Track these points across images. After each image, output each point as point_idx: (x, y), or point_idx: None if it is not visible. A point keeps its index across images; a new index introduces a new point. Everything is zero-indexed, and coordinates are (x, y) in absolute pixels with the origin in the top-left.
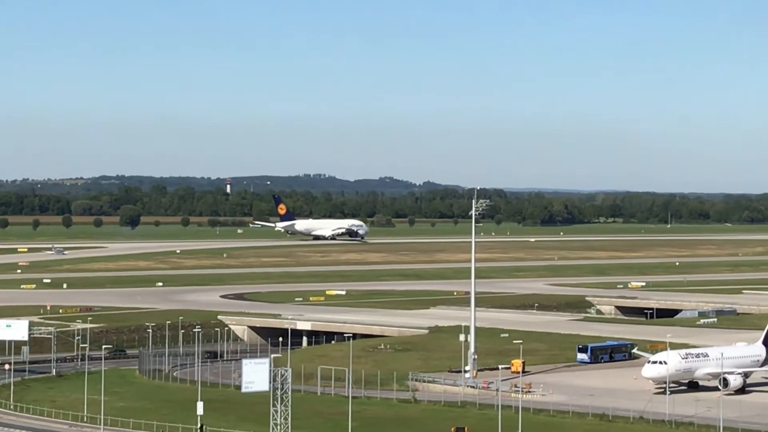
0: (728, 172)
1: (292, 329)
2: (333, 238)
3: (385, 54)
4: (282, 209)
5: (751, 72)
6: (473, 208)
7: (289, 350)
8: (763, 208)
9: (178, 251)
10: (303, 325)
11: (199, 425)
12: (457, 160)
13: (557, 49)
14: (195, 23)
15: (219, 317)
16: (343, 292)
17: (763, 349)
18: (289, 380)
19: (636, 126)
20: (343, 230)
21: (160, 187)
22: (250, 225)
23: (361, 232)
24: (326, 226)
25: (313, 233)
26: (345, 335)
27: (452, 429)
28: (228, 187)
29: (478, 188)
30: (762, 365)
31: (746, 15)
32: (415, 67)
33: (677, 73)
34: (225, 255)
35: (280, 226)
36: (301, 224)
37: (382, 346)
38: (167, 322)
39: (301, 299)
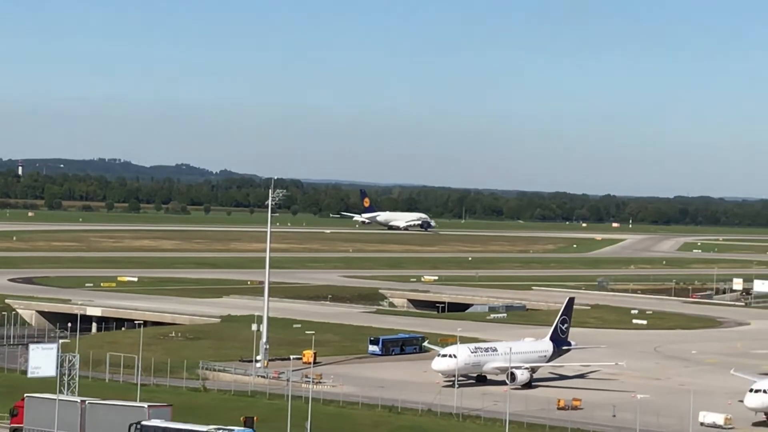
0: (522, 169)
1: (81, 315)
2: (407, 228)
3: (182, 41)
4: (366, 202)
5: (549, 71)
6: (270, 198)
7: (78, 336)
8: (554, 206)
9: None
10: (93, 311)
11: None
12: (254, 149)
13: (346, 36)
14: None
15: (6, 301)
16: (135, 279)
17: (551, 345)
18: (77, 366)
19: (432, 121)
20: (417, 222)
21: None
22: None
23: (433, 224)
24: (401, 218)
25: (390, 224)
26: (136, 322)
27: (241, 418)
28: (20, 169)
29: (275, 178)
30: (548, 361)
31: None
32: (213, 55)
33: (471, 69)
34: (14, 238)
35: (365, 216)
36: (381, 216)
37: (173, 334)
38: None
39: (92, 285)
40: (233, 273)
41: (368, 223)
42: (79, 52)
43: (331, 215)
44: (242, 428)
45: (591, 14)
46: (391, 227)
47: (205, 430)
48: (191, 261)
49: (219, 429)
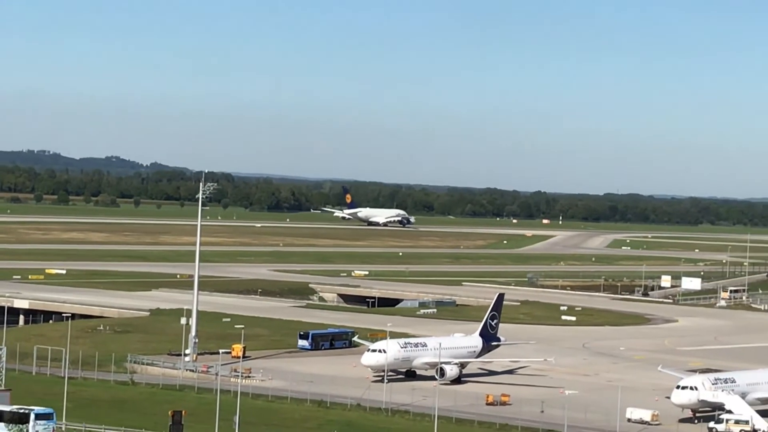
0: (453, 165)
1: (8, 307)
2: (386, 224)
3: (111, 33)
4: (348, 198)
5: (480, 67)
6: (200, 192)
7: (4, 328)
8: (485, 202)
9: None
10: (20, 304)
11: None
12: (185, 142)
13: (278, 29)
14: None
15: None
16: (64, 272)
17: (480, 340)
18: (3, 359)
19: (363, 116)
20: (396, 218)
21: None
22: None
23: (412, 220)
24: (381, 215)
25: (370, 219)
26: (64, 315)
27: (169, 412)
28: None
29: (206, 171)
30: (478, 356)
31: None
32: (143, 46)
33: (404, 65)
34: None
35: (347, 212)
36: (362, 212)
37: (102, 327)
38: None
39: (19, 277)
40: (163, 266)
41: (349, 218)
42: (6, 43)
43: (311, 210)
44: (41, 408)
45: (519, 10)
46: (370, 223)
47: (8, 409)
48: (120, 254)
49: (20, 409)
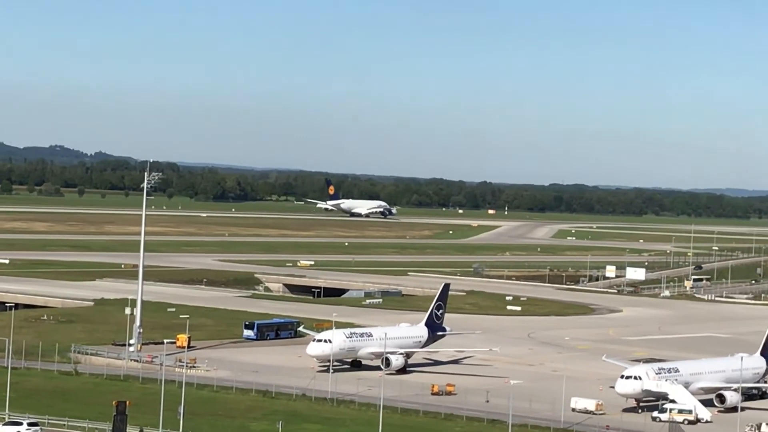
0: (399, 155)
1: None
2: (368, 215)
3: (60, 21)
4: (331, 190)
5: (426, 59)
6: (145, 181)
7: None
8: (431, 192)
9: None
10: None
11: None
12: (130, 131)
13: (232, 23)
14: None
15: None
16: (7, 261)
17: (426, 330)
18: None
19: (309, 106)
20: (378, 209)
21: None
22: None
23: (394, 211)
24: (363, 206)
25: (352, 211)
26: (6, 305)
27: (113, 402)
28: None
29: (151, 161)
30: (423, 346)
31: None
32: (87, 36)
33: (350, 56)
34: None
35: (329, 204)
36: (345, 204)
37: (45, 317)
38: None
39: None
40: (107, 256)
41: (332, 209)
42: None
43: (295, 201)
44: None
45: (466, 5)
46: (353, 214)
47: None
48: (64, 243)
49: None
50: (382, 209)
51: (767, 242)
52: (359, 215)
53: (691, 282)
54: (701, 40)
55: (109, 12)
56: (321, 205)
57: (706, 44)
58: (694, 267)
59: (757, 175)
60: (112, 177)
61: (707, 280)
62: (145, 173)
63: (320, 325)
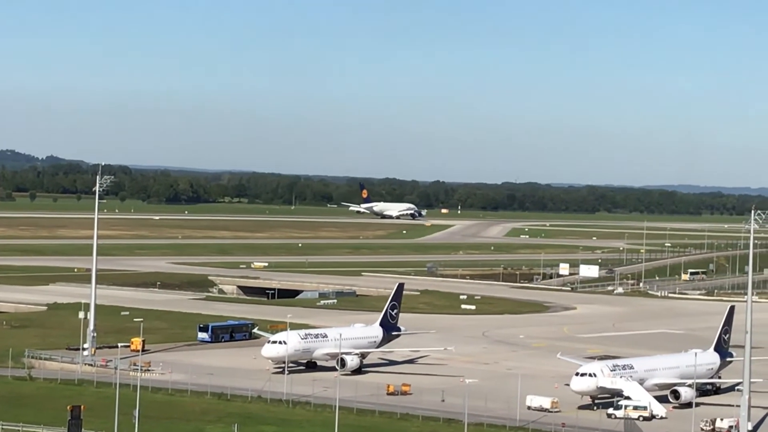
0: (351, 155)
1: None
2: (398, 217)
3: (6, 25)
4: (364, 194)
5: (376, 58)
6: (97, 185)
7: None
8: (384, 192)
9: None
10: None
11: None
12: (81, 135)
13: (181, 25)
14: None
15: None
16: None
17: (380, 330)
18: None
19: (261, 107)
20: (408, 212)
21: None
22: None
23: (423, 213)
24: (394, 209)
25: (384, 213)
26: None
27: (68, 407)
28: None
29: (103, 164)
30: (378, 346)
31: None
32: (36, 40)
33: (300, 54)
34: None
35: (363, 207)
36: (377, 206)
37: None
38: None
39: None
40: (60, 260)
41: (365, 212)
42: None
43: (328, 205)
44: None
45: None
46: (384, 216)
47: None
48: (17, 248)
49: None
50: (411, 211)
51: (719, 238)
52: (390, 217)
53: (688, 275)
54: (652, 37)
55: (57, 15)
56: (354, 208)
57: (657, 41)
58: (606, 270)
59: (707, 171)
60: (63, 181)
61: (704, 273)
62: (97, 177)
63: (275, 327)
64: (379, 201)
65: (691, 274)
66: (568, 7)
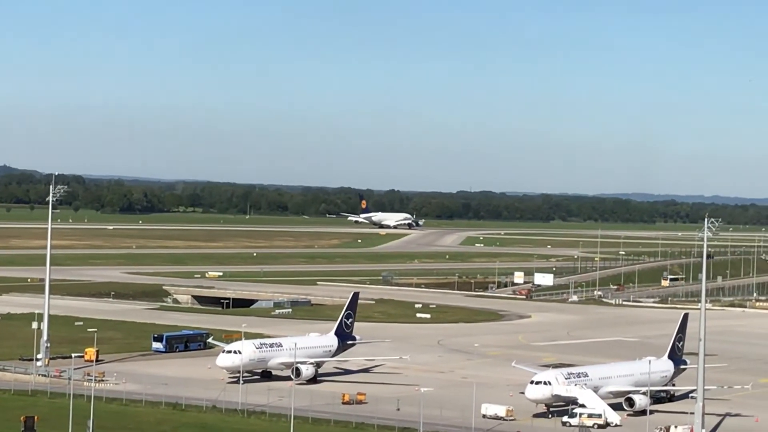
0: (306, 165)
1: None
2: (396, 227)
3: None
4: (363, 204)
5: (331, 67)
6: (50, 194)
7: None
8: (339, 201)
9: None
10: None
11: None
12: (34, 144)
13: (134, 34)
14: None
15: None
16: None
17: (336, 339)
18: None
19: (215, 117)
20: (406, 222)
21: None
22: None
23: (421, 223)
24: (391, 218)
25: (382, 223)
26: None
27: (21, 418)
28: None
29: (56, 174)
30: (334, 355)
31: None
32: None
33: (254, 63)
34: None
35: (362, 217)
36: (376, 216)
37: None
38: None
39: None
40: (13, 270)
41: (364, 222)
42: None
43: (327, 215)
44: None
45: (371, 9)
46: (382, 226)
47: None
48: None
49: None
50: (409, 221)
51: (673, 246)
52: (388, 227)
53: (668, 281)
54: (605, 47)
55: (7, 24)
56: (353, 218)
57: (611, 50)
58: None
59: (661, 180)
60: (16, 191)
61: (682, 279)
62: (51, 186)
63: (229, 336)
64: (378, 211)
65: (671, 280)
66: (519, 16)
